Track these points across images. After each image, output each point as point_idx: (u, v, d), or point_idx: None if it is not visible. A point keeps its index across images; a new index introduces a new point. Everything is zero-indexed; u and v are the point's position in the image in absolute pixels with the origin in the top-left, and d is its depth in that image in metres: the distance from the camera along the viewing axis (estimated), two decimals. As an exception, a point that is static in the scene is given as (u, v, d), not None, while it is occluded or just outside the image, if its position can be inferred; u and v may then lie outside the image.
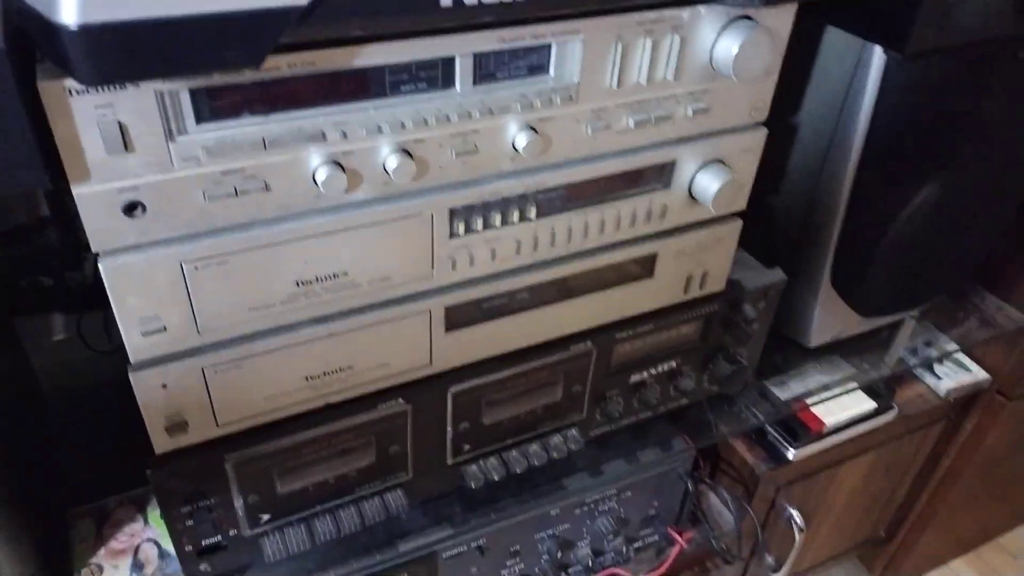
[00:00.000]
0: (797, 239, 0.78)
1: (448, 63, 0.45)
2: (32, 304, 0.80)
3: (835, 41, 0.67)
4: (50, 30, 0.32)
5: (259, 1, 0.33)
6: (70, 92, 0.36)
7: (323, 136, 0.43)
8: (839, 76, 0.68)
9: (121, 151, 0.39)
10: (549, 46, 0.48)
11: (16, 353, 0.68)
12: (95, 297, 0.83)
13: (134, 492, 0.64)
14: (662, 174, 0.58)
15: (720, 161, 0.59)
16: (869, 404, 0.85)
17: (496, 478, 0.66)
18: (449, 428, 0.62)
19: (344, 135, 0.44)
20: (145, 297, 0.44)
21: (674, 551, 0.82)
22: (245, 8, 0.33)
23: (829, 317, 0.81)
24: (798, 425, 0.82)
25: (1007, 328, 0.94)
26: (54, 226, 0.79)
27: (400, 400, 0.57)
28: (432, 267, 0.53)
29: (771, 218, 0.79)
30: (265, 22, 0.34)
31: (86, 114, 0.37)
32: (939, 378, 0.96)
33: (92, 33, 0.31)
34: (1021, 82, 0.68)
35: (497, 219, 0.53)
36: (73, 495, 0.64)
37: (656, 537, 0.85)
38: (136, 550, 0.60)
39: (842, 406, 0.83)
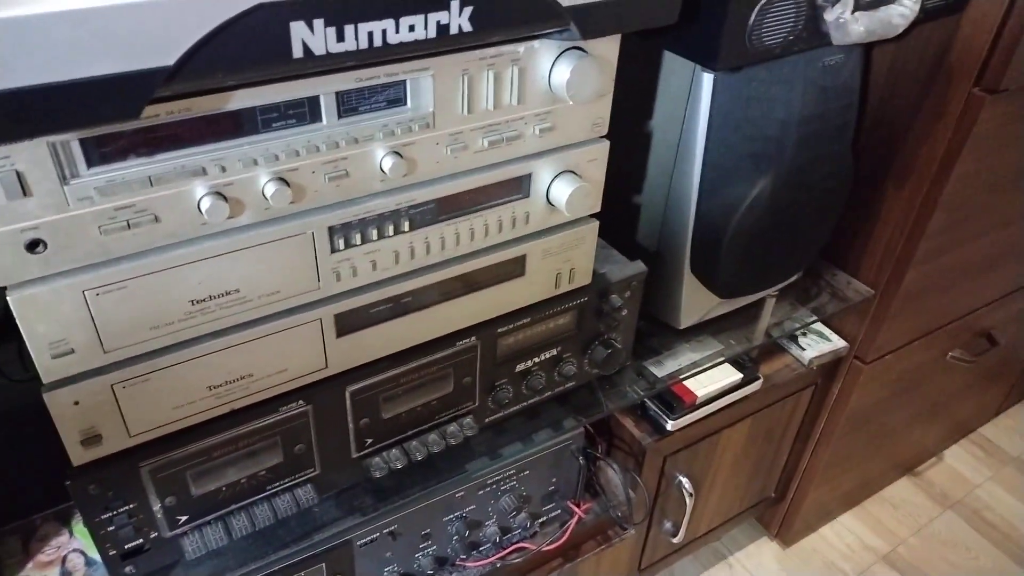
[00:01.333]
0: (660, 233, 0.88)
1: (313, 101, 0.53)
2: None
3: (673, 62, 0.78)
4: (-52, 99, 0.37)
5: (131, 64, 0.40)
6: (-31, 148, 0.42)
7: (204, 171, 0.50)
8: (679, 90, 0.78)
9: (20, 196, 0.44)
10: (404, 82, 0.55)
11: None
12: (5, 330, 0.87)
13: (58, 508, 0.68)
14: (521, 185, 0.66)
15: (571, 171, 0.68)
16: (736, 375, 0.95)
17: (399, 467, 0.72)
18: (350, 424, 0.68)
19: (223, 169, 0.50)
20: (52, 323, 0.49)
21: (572, 521, 0.90)
22: (118, 72, 0.39)
23: (694, 301, 0.92)
24: (673, 398, 0.92)
25: (856, 300, 1.06)
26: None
27: (300, 402, 0.64)
28: (318, 280, 0.59)
29: (637, 215, 0.89)
30: (137, 82, 0.40)
31: (-15, 166, 0.43)
32: (803, 348, 1.08)
33: (-14, 101, 0.37)
34: (829, 83, 0.80)
35: (374, 233, 0.60)
36: (-3, 519, 0.68)
37: (559, 511, 0.93)
38: (63, 560, 0.64)
39: (712, 379, 0.94)
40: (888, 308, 1.06)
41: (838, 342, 1.10)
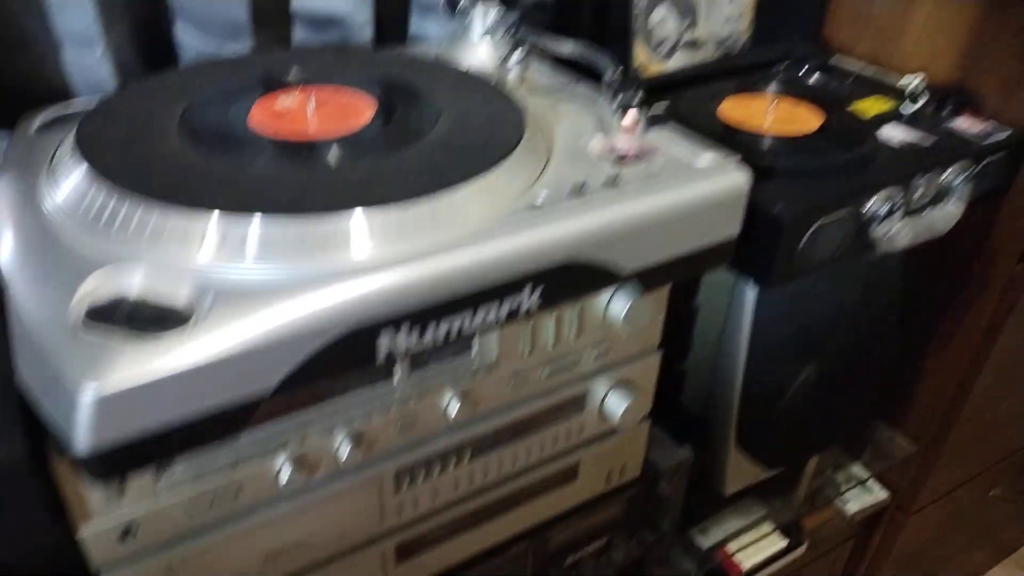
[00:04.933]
0: (706, 403, 0.88)
1: (390, 360, 0.54)
2: None
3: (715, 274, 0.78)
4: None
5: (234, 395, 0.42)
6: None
7: (285, 445, 0.52)
8: (723, 294, 0.79)
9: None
10: (473, 335, 0.57)
11: None
12: None
13: None
14: (576, 403, 0.68)
15: (624, 381, 0.69)
16: (781, 543, 0.95)
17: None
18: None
19: (303, 439, 0.52)
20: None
21: None
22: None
23: (740, 470, 0.91)
24: (721, 573, 0.91)
25: (900, 455, 1.06)
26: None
27: (359, 633, 0.65)
28: (381, 519, 0.61)
29: (683, 380, 0.90)
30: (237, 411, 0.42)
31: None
32: (846, 501, 1.08)
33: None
34: (873, 277, 0.81)
35: (436, 470, 0.61)
36: None
37: None
38: None
39: (758, 549, 0.93)
40: (932, 461, 1.06)
41: (879, 493, 1.09)
